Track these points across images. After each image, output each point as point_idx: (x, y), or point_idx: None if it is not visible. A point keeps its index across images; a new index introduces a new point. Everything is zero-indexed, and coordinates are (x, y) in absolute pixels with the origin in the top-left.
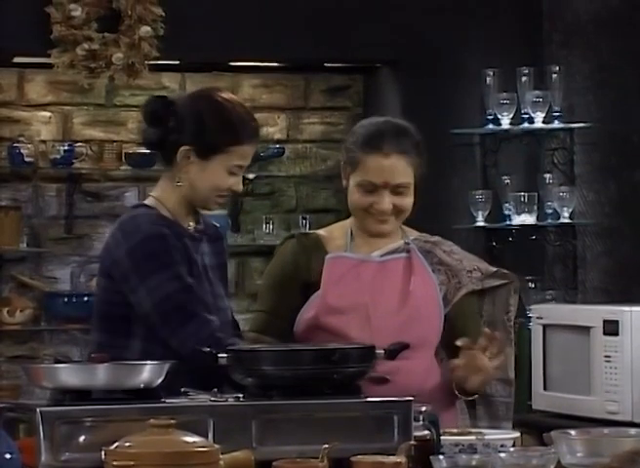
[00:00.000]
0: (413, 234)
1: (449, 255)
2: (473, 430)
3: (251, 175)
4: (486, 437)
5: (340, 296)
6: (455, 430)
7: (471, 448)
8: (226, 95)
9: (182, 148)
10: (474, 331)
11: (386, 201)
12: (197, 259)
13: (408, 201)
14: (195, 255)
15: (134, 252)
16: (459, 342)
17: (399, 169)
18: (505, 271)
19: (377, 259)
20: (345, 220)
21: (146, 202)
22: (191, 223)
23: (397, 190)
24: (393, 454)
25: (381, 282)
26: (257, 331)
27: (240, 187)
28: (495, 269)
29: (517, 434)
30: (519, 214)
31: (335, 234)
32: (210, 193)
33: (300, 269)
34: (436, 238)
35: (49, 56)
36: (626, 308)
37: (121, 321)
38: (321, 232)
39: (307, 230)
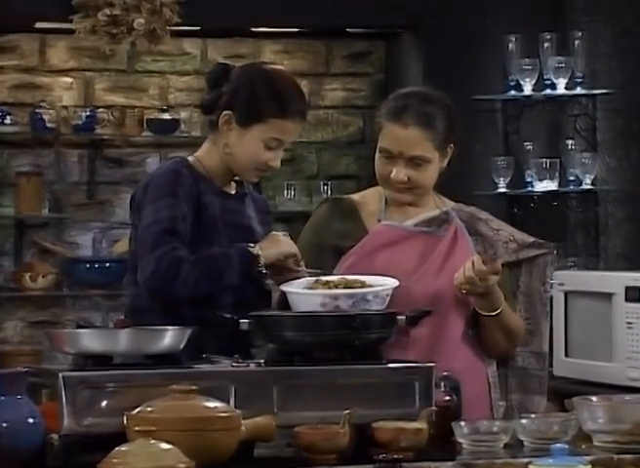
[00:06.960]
0: (449, 204)
1: (486, 225)
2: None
3: None
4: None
5: (387, 262)
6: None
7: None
8: (282, 71)
9: (224, 113)
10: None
11: (401, 172)
12: (214, 211)
13: (424, 176)
14: (214, 208)
15: (148, 183)
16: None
17: (416, 141)
18: (542, 241)
19: (421, 230)
20: (379, 186)
21: (187, 157)
22: (231, 186)
23: (414, 162)
24: (414, 420)
25: (426, 255)
26: None
27: (278, 164)
28: (532, 240)
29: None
30: (541, 180)
31: (368, 199)
32: (246, 163)
33: (333, 233)
34: (472, 208)
35: (70, 21)
36: None
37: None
38: (355, 197)
39: (341, 195)
